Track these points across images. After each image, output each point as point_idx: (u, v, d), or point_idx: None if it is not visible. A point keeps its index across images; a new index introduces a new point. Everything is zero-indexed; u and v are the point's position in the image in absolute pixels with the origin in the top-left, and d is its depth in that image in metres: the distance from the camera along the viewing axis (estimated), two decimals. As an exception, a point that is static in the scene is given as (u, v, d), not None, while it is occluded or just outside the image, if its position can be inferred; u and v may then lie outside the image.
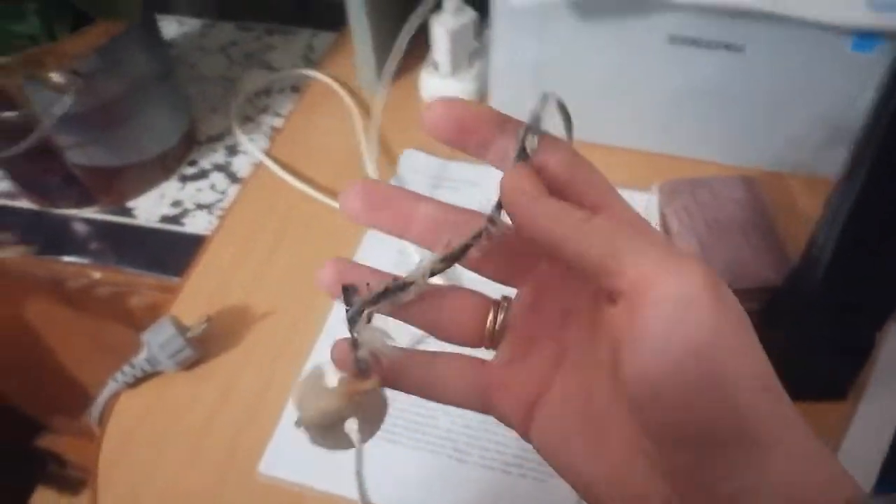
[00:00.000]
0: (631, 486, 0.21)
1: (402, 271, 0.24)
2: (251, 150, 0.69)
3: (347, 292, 0.24)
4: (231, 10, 0.87)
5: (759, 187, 0.59)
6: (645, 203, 0.60)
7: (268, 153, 0.69)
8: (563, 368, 0.24)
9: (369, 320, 0.23)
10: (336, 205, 0.59)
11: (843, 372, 0.49)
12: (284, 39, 0.83)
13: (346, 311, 0.23)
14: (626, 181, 0.46)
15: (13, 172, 0.65)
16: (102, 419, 0.54)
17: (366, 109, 0.71)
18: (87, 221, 0.66)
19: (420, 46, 0.69)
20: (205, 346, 0.54)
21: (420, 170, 0.66)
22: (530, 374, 0.25)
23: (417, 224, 0.24)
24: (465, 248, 0.23)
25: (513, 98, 0.64)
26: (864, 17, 0.51)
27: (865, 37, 0.53)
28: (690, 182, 0.60)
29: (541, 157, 0.22)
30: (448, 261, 0.23)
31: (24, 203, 0.68)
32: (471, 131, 0.23)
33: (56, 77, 0.55)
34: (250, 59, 0.81)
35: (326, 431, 0.24)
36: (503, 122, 0.23)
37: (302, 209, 0.63)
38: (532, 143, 0.22)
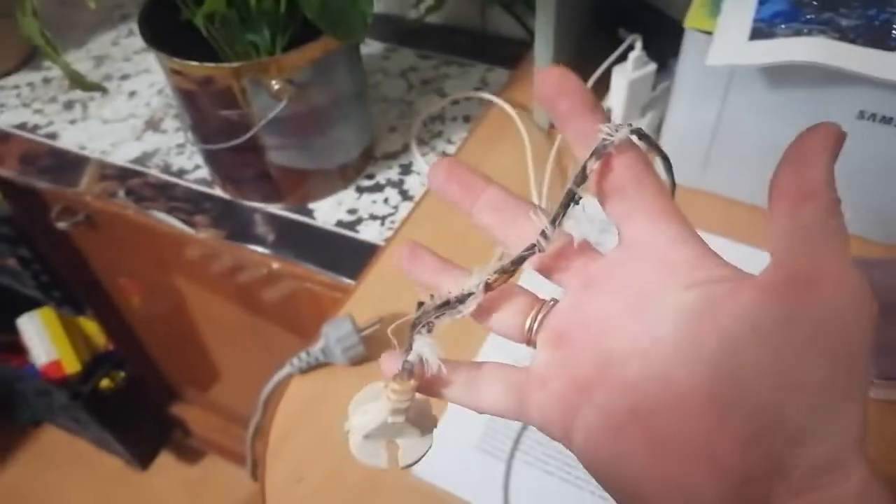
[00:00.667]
0: (691, 496, 0.20)
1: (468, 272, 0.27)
2: (426, 171, 0.74)
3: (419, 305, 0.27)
4: (412, 38, 0.94)
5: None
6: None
7: (440, 175, 0.73)
8: (610, 368, 0.23)
9: (429, 330, 0.26)
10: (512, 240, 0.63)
11: None
12: (460, 70, 0.88)
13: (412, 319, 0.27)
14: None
15: (215, 163, 0.73)
16: (270, 399, 0.59)
17: (537, 144, 0.74)
18: (272, 216, 0.72)
19: (593, 90, 0.71)
20: (373, 345, 0.58)
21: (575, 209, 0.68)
22: (570, 372, 0.24)
23: (483, 201, 0.27)
24: (519, 261, 0.26)
25: (683, 152, 0.66)
26: None
27: None
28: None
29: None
30: (503, 273, 0.26)
31: (217, 191, 0.75)
32: (564, 97, 0.26)
33: (275, 84, 0.61)
34: (427, 85, 0.86)
35: (368, 442, 0.26)
36: (594, 106, 0.26)
37: (469, 237, 0.66)
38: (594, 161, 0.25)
